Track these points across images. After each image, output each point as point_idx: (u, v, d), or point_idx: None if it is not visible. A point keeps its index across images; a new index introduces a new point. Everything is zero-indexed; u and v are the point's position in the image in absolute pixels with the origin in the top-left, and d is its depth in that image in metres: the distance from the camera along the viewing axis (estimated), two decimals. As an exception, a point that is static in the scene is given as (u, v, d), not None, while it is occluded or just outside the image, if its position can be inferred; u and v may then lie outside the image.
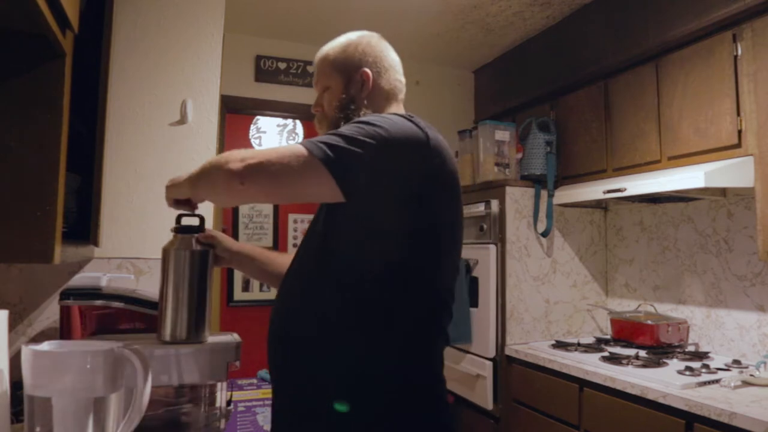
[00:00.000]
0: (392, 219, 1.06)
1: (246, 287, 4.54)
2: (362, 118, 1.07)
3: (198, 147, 1.88)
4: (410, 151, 1.05)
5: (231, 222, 4.57)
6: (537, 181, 2.81)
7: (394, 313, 1.07)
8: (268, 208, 4.72)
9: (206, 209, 1.88)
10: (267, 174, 1.01)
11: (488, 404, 2.72)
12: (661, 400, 1.81)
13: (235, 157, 1.01)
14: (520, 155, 2.91)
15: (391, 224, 1.06)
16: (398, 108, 1.28)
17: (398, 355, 1.07)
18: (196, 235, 1.24)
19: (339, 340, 1.06)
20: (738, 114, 1.96)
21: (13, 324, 1.62)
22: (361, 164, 1.00)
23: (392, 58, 1.30)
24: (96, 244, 1.62)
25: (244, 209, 4.66)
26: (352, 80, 1.23)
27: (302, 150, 0.99)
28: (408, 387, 1.06)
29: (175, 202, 1.20)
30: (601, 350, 2.41)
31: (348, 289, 1.07)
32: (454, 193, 1.14)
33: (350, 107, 1.21)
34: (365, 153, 1.00)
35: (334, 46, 1.27)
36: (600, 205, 2.91)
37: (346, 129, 1.03)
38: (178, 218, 1.25)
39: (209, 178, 1.07)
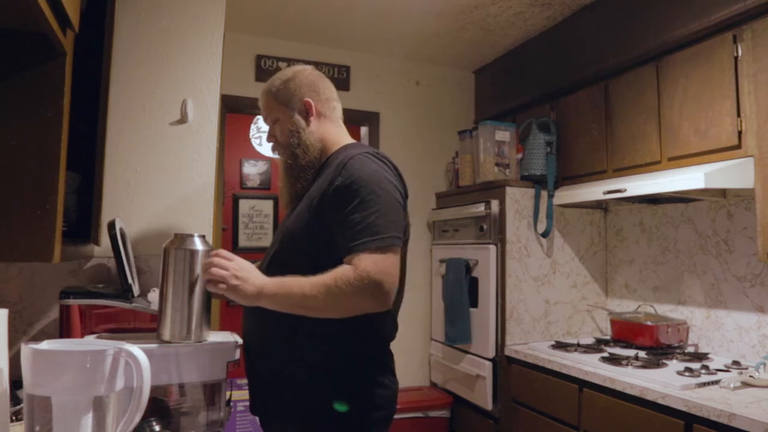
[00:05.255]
0: None
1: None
2: (372, 187, 1.22)
3: (198, 146, 1.88)
4: (401, 196, 1.30)
5: (231, 222, 4.57)
6: (537, 182, 2.81)
7: None
8: (268, 208, 4.72)
9: (206, 207, 1.89)
10: (394, 283, 1.21)
11: (488, 404, 2.72)
12: (660, 401, 1.81)
13: (380, 291, 1.17)
14: (520, 155, 2.91)
15: None
16: (339, 127, 1.46)
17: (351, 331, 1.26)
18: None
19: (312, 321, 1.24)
20: (738, 115, 1.96)
21: (13, 323, 1.62)
22: (400, 229, 1.26)
23: (327, 85, 1.47)
24: (97, 243, 1.62)
25: (244, 209, 4.66)
26: (297, 110, 1.40)
27: (390, 250, 1.20)
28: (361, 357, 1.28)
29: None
30: (601, 351, 2.41)
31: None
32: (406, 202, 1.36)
33: (299, 134, 1.39)
34: (400, 221, 1.26)
35: (275, 82, 1.44)
36: (600, 205, 2.92)
37: (381, 207, 1.22)
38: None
39: (346, 306, 1.19)
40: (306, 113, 1.40)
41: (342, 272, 1.16)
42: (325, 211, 1.25)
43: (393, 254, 1.20)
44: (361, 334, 1.27)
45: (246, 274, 1.19)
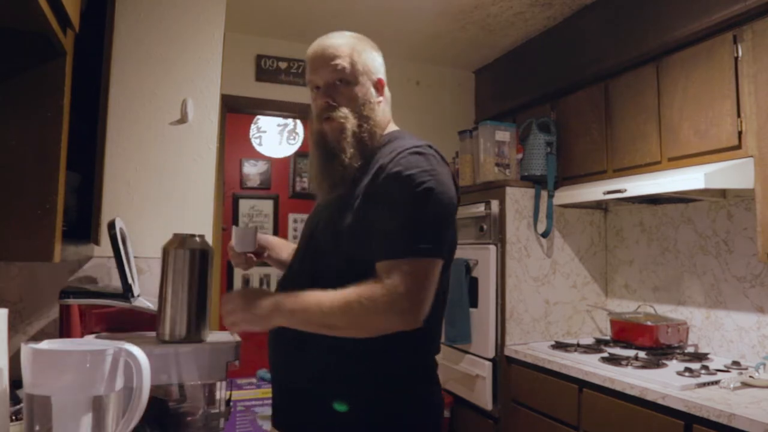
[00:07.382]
0: None
1: (246, 286, 4.54)
2: (426, 186, 1.09)
3: (198, 146, 1.89)
4: (454, 204, 1.17)
5: (231, 222, 4.57)
6: (537, 182, 2.81)
7: None
8: (268, 208, 4.72)
9: (206, 207, 1.89)
10: (427, 299, 1.08)
11: (488, 405, 2.72)
12: (660, 401, 1.81)
13: (408, 307, 1.06)
14: (520, 156, 2.91)
15: None
16: (390, 113, 1.34)
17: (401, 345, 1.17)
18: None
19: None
20: (738, 115, 1.96)
21: (12, 322, 1.63)
22: (446, 240, 1.13)
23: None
24: (96, 242, 1.62)
25: (244, 209, 4.66)
26: (372, 86, 1.27)
27: (428, 262, 1.08)
28: (402, 370, 1.22)
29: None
30: (601, 351, 2.41)
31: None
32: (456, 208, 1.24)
33: (366, 113, 1.23)
34: (448, 231, 1.14)
35: (359, 44, 1.26)
36: (600, 206, 2.92)
37: (423, 209, 1.09)
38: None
39: (370, 325, 1.08)
40: (377, 93, 1.27)
41: (368, 287, 1.05)
42: (371, 205, 1.12)
43: (430, 266, 1.07)
44: (380, 349, 1.13)
45: (252, 303, 1.14)
